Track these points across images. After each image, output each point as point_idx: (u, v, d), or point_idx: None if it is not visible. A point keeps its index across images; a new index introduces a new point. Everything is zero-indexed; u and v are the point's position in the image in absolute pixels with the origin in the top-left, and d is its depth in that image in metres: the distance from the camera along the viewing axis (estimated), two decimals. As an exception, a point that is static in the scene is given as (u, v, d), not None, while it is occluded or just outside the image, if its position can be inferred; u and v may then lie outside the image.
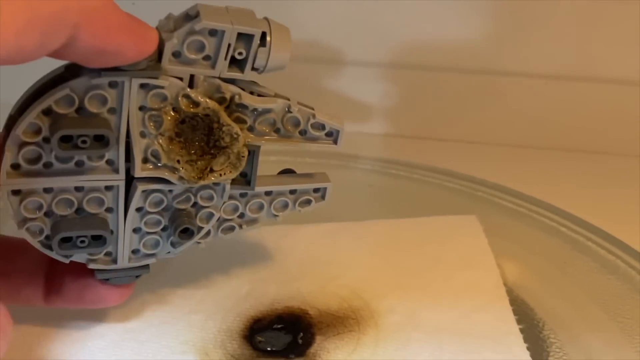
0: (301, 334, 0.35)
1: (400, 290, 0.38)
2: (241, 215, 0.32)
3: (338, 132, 0.30)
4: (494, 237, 0.42)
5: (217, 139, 0.28)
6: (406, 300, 0.38)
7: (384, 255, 0.41)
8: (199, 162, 0.28)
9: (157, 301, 0.37)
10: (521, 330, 0.36)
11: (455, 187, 0.49)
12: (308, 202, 0.32)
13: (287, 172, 0.33)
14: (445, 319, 0.37)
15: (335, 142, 0.31)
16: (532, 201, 0.47)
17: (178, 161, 0.28)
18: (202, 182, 0.28)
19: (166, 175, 0.28)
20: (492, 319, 0.37)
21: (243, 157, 0.29)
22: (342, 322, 0.36)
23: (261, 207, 0.32)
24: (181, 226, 0.29)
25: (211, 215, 0.31)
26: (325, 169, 0.34)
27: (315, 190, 0.32)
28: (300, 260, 0.41)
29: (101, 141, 0.26)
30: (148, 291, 0.37)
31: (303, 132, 0.30)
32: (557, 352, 0.35)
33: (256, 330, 0.35)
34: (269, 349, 0.34)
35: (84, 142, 0.25)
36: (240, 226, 0.32)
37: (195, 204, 0.30)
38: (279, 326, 0.36)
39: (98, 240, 0.28)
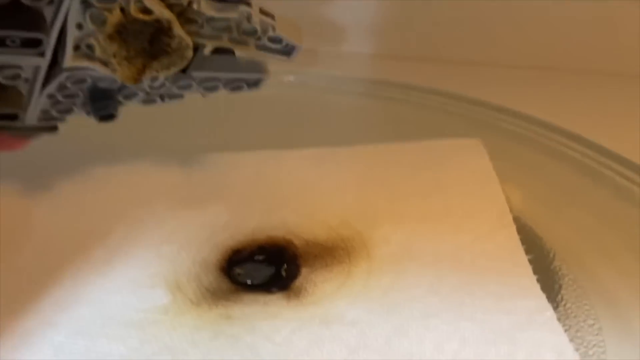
0: (285, 266, 0.32)
1: (396, 219, 0.35)
2: (167, 93, 0.30)
3: (294, 48, 0.29)
4: (499, 162, 0.39)
5: (163, 45, 0.27)
6: (402, 230, 0.35)
7: (377, 181, 0.38)
8: (137, 61, 0.27)
9: (123, 230, 0.33)
10: (529, 262, 0.32)
11: (455, 111, 0.45)
12: (240, 88, 0.31)
13: (226, 52, 0.30)
14: (445, 249, 0.33)
15: (288, 56, 0.30)
16: (539, 124, 0.43)
17: (114, 55, 0.26)
18: (137, 83, 0.27)
19: (98, 68, 0.27)
20: (496, 248, 0.33)
21: (187, 58, 0.27)
22: (330, 252, 0.33)
23: (189, 86, 0.30)
24: (101, 112, 0.29)
25: (135, 94, 0.30)
26: (312, 90, 0.31)
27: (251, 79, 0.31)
28: (285, 187, 0.37)
29: (32, 44, 0.24)
30: (114, 216, 0.33)
31: (258, 41, 0.29)
32: (569, 284, 0.32)
33: (235, 262, 0.32)
34: (248, 282, 0.31)
35: (13, 41, 0.24)
36: (163, 99, 0.31)
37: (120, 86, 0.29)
38: (261, 257, 0.32)
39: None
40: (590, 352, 0.29)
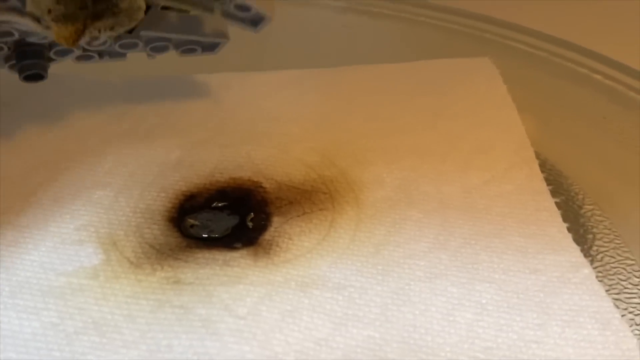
0: (252, 215, 0.26)
1: (390, 155, 0.29)
2: (107, 51, 0.27)
3: (262, 19, 0.26)
4: (513, 89, 0.33)
5: (110, 4, 0.24)
6: (398, 168, 0.28)
7: (366, 109, 0.31)
8: (76, 20, 0.24)
9: (45, 172, 0.26)
10: (557, 206, 0.26)
11: (458, 29, 0.39)
12: (192, 51, 0.28)
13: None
14: (453, 192, 0.27)
15: (255, 27, 0.27)
16: (558, 43, 0.36)
17: (49, 11, 0.23)
18: (74, 46, 0.25)
19: (30, 25, 0.24)
20: (517, 190, 0.27)
21: (136, 20, 0.25)
22: (309, 197, 0.27)
23: (135, 46, 0.27)
24: (26, 72, 0.26)
25: (69, 52, 0.26)
26: (284, 5, 0.28)
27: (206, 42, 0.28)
28: (252, 117, 0.31)
29: None
30: (33, 156, 0.27)
31: (224, 6, 0.26)
32: (605, 232, 0.27)
33: (188, 211, 0.26)
34: (205, 235, 0.25)
35: None
36: (101, 57, 0.28)
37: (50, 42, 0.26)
38: (221, 205, 0.26)
39: None
40: (638, 320, 0.23)
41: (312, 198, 0.27)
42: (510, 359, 0.21)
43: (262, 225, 0.25)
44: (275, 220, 0.26)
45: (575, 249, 0.25)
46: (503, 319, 0.22)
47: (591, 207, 0.28)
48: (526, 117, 0.31)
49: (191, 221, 0.25)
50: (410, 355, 0.21)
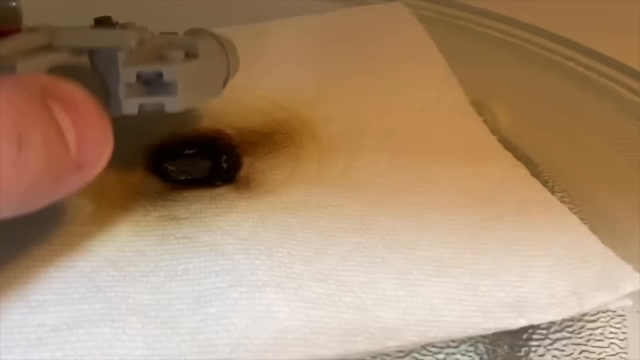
0: (224, 157, 0.28)
1: (334, 96, 0.32)
2: None
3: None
4: (486, 76, 0.34)
5: None
6: (343, 106, 0.31)
7: (301, 58, 0.34)
8: None
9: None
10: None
11: (432, 16, 0.39)
12: None
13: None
14: (396, 121, 0.31)
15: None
16: (532, 31, 0.38)
17: None
18: None
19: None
20: (448, 113, 0.31)
21: None
22: (270, 138, 0.29)
23: None
24: None
25: None
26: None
27: None
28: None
29: None
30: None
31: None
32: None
33: (162, 159, 0.27)
34: (184, 178, 0.26)
35: None
36: None
37: None
38: (191, 151, 0.28)
39: None
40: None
41: (273, 138, 0.29)
42: (476, 247, 0.24)
43: (235, 165, 0.27)
44: (246, 160, 0.28)
45: (508, 155, 0.29)
46: (464, 215, 0.26)
47: (561, 194, 0.28)
48: (499, 105, 0.33)
49: (169, 167, 0.27)
50: (395, 253, 0.24)
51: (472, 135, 0.30)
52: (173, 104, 0.23)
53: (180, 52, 0.23)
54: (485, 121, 0.30)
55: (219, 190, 0.26)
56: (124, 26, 0.25)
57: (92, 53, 0.22)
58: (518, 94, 0.33)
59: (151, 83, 0.23)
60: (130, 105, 0.22)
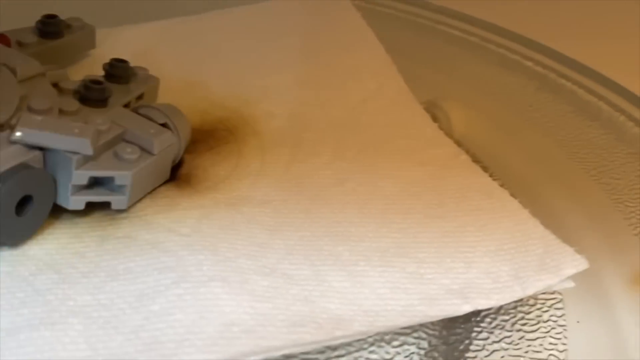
0: (164, 155, 0.27)
1: (274, 91, 0.32)
2: None
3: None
4: (441, 75, 0.34)
5: None
6: (284, 101, 0.31)
7: (238, 52, 0.34)
8: None
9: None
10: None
11: (389, 12, 0.40)
12: None
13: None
14: (337, 114, 0.31)
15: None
16: (490, 29, 0.37)
17: None
18: None
19: None
20: (391, 103, 0.31)
21: None
22: (211, 135, 0.29)
23: None
24: None
25: None
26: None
27: None
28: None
29: None
30: None
31: None
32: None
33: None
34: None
35: None
36: None
37: None
38: (130, 150, 0.27)
39: None
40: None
41: (214, 135, 0.29)
42: (420, 235, 0.25)
43: (175, 163, 0.27)
44: (187, 157, 0.27)
45: (450, 142, 0.29)
46: (408, 204, 0.26)
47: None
48: (453, 105, 0.32)
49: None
50: (341, 244, 0.24)
51: (414, 125, 0.30)
52: (121, 203, 0.23)
53: (135, 152, 0.23)
54: (438, 121, 0.31)
55: (160, 188, 0.26)
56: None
57: (45, 149, 0.22)
58: (473, 94, 0.33)
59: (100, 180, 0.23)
60: (78, 203, 0.23)
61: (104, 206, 0.24)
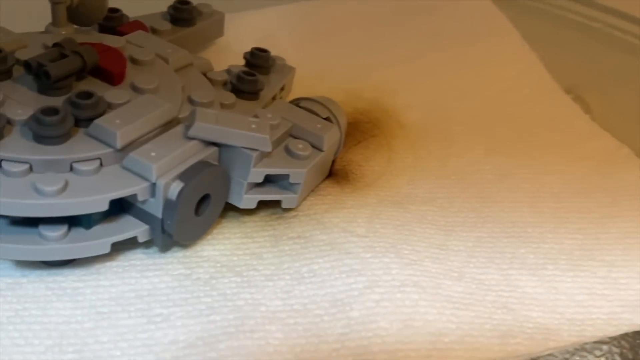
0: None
1: (408, 81, 0.31)
2: None
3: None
4: (567, 62, 0.32)
5: None
6: (421, 91, 0.30)
7: (363, 39, 0.33)
8: None
9: None
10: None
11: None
12: None
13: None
14: (481, 104, 0.30)
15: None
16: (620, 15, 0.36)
17: None
18: None
19: None
20: (534, 93, 0.30)
21: None
22: (356, 128, 0.28)
23: None
24: None
25: None
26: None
27: None
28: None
29: None
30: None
31: None
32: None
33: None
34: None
35: None
36: None
37: None
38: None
39: None
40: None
41: (358, 127, 0.28)
42: (601, 236, 0.23)
43: (335, 157, 0.26)
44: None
45: (608, 135, 0.28)
46: (579, 203, 0.25)
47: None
48: (594, 95, 0.31)
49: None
50: (522, 247, 0.23)
51: (564, 116, 0.29)
52: (291, 201, 0.23)
53: (307, 149, 0.22)
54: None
55: (320, 185, 0.24)
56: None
57: (221, 145, 0.21)
58: (611, 85, 0.32)
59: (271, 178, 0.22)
60: (250, 201, 0.22)
61: (270, 204, 0.23)
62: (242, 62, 0.27)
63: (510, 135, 0.28)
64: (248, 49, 0.27)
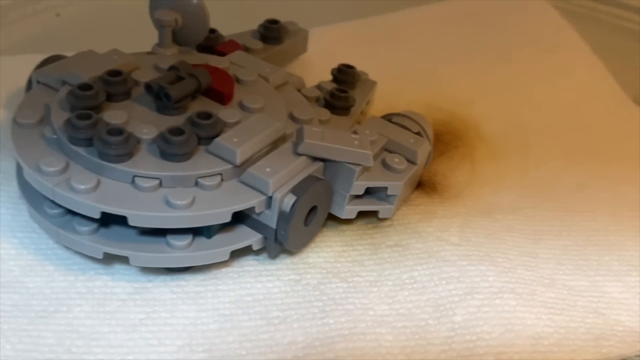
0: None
1: (484, 92, 0.32)
2: None
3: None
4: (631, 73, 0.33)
5: None
6: (496, 103, 0.32)
7: (435, 52, 0.34)
8: None
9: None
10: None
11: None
12: None
13: None
14: (556, 114, 0.31)
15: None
16: None
17: None
18: None
19: None
20: (607, 104, 0.31)
21: None
22: (439, 139, 0.29)
23: None
24: None
25: None
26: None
27: None
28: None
29: None
30: None
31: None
32: None
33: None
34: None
35: None
36: None
37: None
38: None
39: None
40: None
41: (441, 139, 0.29)
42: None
43: (425, 169, 0.27)
44: (422, 162, 0.28)
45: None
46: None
47: None
48: None
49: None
50: (607, 254, 0.24)
51: (636, 126, 0.30)
52: (388, 212, 0.24)
53: (402, 163, 0.24)
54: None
55: (411, 195, 0.26)
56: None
57: (326, 160, 0.23)
58: None
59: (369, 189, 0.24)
60: (351, 212, 0.24)
61: (366, 214, 0.24)
62: (325, 75, 0.29)
63: (585, 146, 0.29)
64: (328, 63, 0.29)
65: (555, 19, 0.35)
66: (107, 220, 0.21)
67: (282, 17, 0.31)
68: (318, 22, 0.35)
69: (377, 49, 0.34)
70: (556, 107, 0.31)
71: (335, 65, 0.29)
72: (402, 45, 0.35)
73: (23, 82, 0.27)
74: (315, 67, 0.32)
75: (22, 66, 0.27)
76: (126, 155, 0.21)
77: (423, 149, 0.25)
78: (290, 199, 0.21)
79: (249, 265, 0.23)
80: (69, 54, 0.28)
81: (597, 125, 0.30)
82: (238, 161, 0.21)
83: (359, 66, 0.31)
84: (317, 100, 0.27)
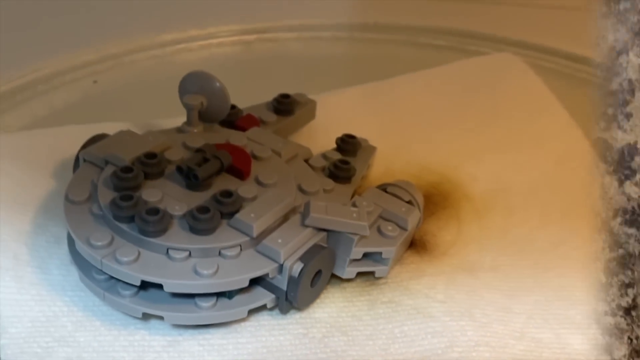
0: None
1: (472, 154, 0.36)
2: None
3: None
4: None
5: None
6: (484, 164, 0.35)
7: (429, 115, 0.38)
8: None
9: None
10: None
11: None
12: None
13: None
14: (537, 176, 0.35)
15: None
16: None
17: None
18: None
19: None
20: (582, 162, 0.35)
21: None
22: (429, 199, 0.33)
23: None
24: None
25: None
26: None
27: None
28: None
29: None
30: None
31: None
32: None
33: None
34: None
35: None
36: None
37: None
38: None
39: None
40: None
41: (431, 200, 0.33)
42: None
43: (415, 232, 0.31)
44: (414, 222, 0.32)
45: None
46: (620, 269, 0.30)
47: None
48: None
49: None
50: (572, 309, 0.28)
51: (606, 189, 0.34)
52: (383, 272, 0.28)
53: (395, 230, 0.28)
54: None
55: (404, 254, 0.30)
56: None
57: (329, 230, 0.27)
58: None
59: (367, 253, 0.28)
60: (351, 273, 0.28)
61: (364, 273, 0.28)
62: (330, 135, 0.33)
63: (561, 206, 0.33)
64: (332, 128, 0.33)
65: (537, 84, 0.39)
66: (145, 284, 0.25)
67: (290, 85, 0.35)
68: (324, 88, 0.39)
69: (376, 112, 0.38)
70: (538, 169, 0.35)
71: (338, 127, 0.33)
72: (401, 109, 0.39)
73: (68, 153, 0.31)
74: (321, 131, 0.36)
75: (68, 137, 0.32)
76: (162, 231, 0.25)
77: (413, 217, 0.29)
78: (298, 266, 0.25)
79: (264, 321, 0.27)
80: (106, 121, 0.32)
81: (573, 186, 0.34)
82: (255, 234, 0.25)
83: (361, 129, 0.35)
84: (323, 169, 0.31)
